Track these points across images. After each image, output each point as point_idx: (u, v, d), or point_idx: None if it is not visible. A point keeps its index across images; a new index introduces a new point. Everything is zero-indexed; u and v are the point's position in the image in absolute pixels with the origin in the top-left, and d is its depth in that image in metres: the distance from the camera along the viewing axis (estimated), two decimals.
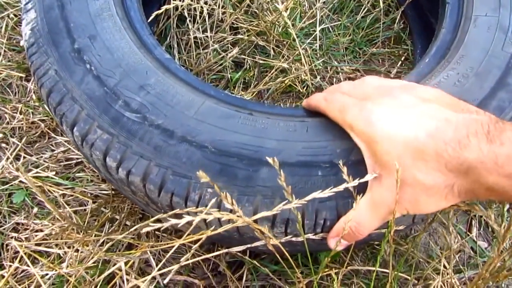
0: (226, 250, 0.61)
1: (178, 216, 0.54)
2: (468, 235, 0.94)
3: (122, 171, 0.62)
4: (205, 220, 0.61)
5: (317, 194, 0.54)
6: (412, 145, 0.51)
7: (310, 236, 0.61)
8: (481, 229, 0.95)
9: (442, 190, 0.51)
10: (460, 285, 0.80)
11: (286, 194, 0.55)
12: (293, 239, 0.62)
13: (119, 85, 0.66)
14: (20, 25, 1.03)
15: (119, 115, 0.63)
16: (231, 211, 0.58)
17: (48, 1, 0.74)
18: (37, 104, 0.94)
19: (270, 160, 0.52)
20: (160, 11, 0.87)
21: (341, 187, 0.55)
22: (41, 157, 0.89)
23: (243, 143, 0.62)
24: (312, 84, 1.04)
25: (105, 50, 0.70)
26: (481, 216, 0.96)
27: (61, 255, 0.75)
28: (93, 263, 0.70)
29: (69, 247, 0.75)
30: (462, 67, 0.74)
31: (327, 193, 0.55)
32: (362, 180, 0.55)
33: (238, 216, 0.53)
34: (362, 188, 0.58)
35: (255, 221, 0.58)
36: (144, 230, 0.50)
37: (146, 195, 0.63)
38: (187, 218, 0.51)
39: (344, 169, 0.55)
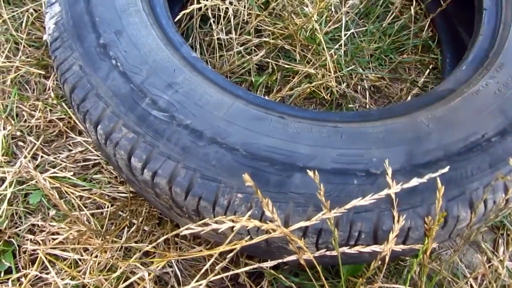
0: (256, 265, 0.57)
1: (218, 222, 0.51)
2: (495, 254, 0.90)
3: (148, 172, 0.59)
4: (232, 227, 0.58)
5: (358, 202, 0.51)
6: None
7: (345, 249, 0.57)
8: (509, 249, 0.91)
9: None
10: None
11: (322, 203, 0.51)
12: (327, 253, 0.58)
13: (146, 82, 0.63)
14: (40, 20, 1.00)
15: (146, 114, 0.61)
16: (261, 218, 0.55)
17: None
18: (55, 102, 0.92)
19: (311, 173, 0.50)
20: (188, 10, 0.85)
21: (382, 193, 0.52)
22: (58, 156, 0.86)
23: (275, 147, 0.59)
24: (337, 91, 1.01)
25: (132, 46, 0.67)
26: (508, 235, 0.92)
27: (78, 260, 0.72)
28: (113, 271, 0.67)
29: (86, 251, 0.72)
30: (502, 75, 0.70)
31: (368, 200, 0.51)
32: (406, 186, 0.51)
33: (277, 226, 0.50)
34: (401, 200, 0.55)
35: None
36: (184, 232, 0.46)
37: (171, 198, 0.60)
38: (228, 224, 0.48)
39: (388, 179, 0.52)
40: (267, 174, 0.57)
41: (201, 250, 0.57)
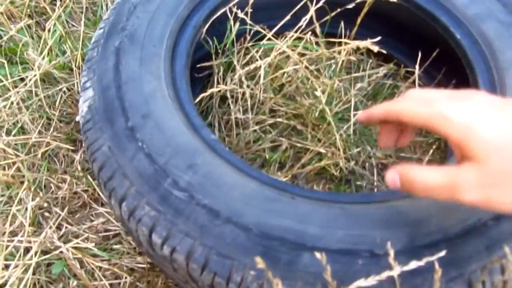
0: None
1: None
2: None
3: (167, 248, 0.64)
4: None
5: (361, 283, 0.55)
6: None
7: None
8: None
9: None
10: None
11: (328, 282, 0.55)
12: None
13: (168, 163, 0.69)
14: (71, 98, 1.09)
15: (168, 193, 0.66)
16: None
17: (106, 81, 0.80)
18: (81, 174, 0.98)
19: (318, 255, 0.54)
20: (206, 94, 0.92)
21: (384, 275, 0.55)
22: (81, 227, 0.91)
23: (286, 227, 0.63)
24: (346, 168, 1.06)
25: (157, 129, 0.73)
26: None
27: None
28: None
29: None
30: None
31: (370, 281, 0.55)
32: (406, 268, 0.55)
33: None
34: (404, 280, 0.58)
35: None
36: None
37: (187, 273, 0.64)
38: None
39: (390, 259, 0.55)
40: (278, 253, 0.61)
41: None
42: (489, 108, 0.52)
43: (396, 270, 0.56)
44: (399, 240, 0.63)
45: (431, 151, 1.12)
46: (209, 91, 0.91)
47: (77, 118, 0.80)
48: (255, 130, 1.06)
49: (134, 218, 0.67)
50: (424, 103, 0.54)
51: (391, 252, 0.57)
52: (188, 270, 0.63)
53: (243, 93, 1.06)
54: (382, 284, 0.59)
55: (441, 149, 1.15)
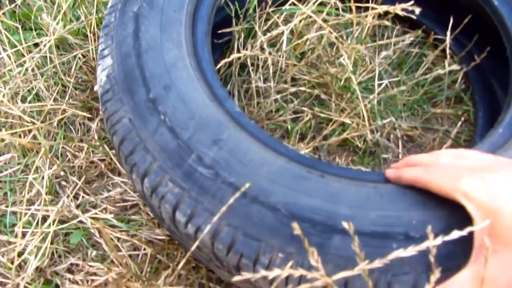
0: None
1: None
2: None
3: (191, 227, 0.62)
4: (270, 282, 0.60)
5: (400, 253, 0.52)
6: None
7: None
8: None
9: None
10: None
11: (357, 255, 0.53)
12: None
13: (192, 138, 0.66)
14: (87, 65, 1.05)
15: (192, 170, 0.63)
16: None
17: (125, 49, 0.75)
18: (98, 143, 0.96)
19: (346, 225, 0.51)
20: (229, 59, 0.88)
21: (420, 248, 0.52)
22: (98, 197, 0.89)
23: (316, 207, 0.60)
24: (370, 140, 1.02)
25: (180, 102, 0.69)
26: None
27: None
28: None
29: None
30: None
31: (410, 251, 0.52)
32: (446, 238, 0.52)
33: (321, 275, 0.51)
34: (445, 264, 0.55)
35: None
36: (236, 278, 0.49)
37: (212, 253, 0.62)
38: (276, 272, 0.49)
39: (432, 242, 0.53)
40: (308, 235, 0.58)
41: None
42: None
43: (437, 241, 0.53)
44: (436, 222, 0.60)
45: (460, 123, 1.08)
46: (231, 57, 0.87)
47: (96, 88, 0.77)
48: (276, 100, 1.02)
49: (157, 195, 0.64)
50: (451, 179, 0.56)
51: (430, 235, 0.54)
52: (214, 250, 0.61)
53: (264, 61, 1.02)
54: (416, 267, 0.58)
55: (470, 122, 1.11)
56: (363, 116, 0.98)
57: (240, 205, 0.60)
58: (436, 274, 0.54)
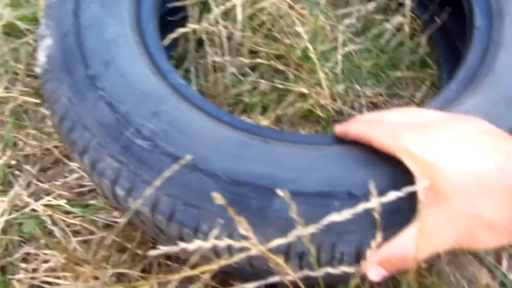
0: (239, 286, 0.57)
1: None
2: (498, 267, 0.88)
3: (132, 200, 0.60)
4: (215, 251, 0.59)
5: (335, 217, 0.51)
6: (480, 177, 0.48)
7: (329, 270, 0.57)
8: None
9: (506, 227, 0.48)
10: None
11: (297, 224, 0.52)
12: (310, 273, 0.58)
13: (131, 111, 0.64)
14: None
15: (130, 143, 0.61)
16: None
17: (65, 28, 0.74)
18: (52, 130, 0.94)
19: (281, 192, 0.50)
20: (175, 35, 0.86)
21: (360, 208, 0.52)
22: (53, 184, 0.88)
23: (258, 172, 0.59)
24: (333, 109, 1.01)
25: (119, 76, 0.68)
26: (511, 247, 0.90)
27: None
28: None
29: (78, 278, 0.73)
30: (493, 95, 0.70)
31: (345, 215, 0.51)
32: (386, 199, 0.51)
33: (252, 244, 0.50)
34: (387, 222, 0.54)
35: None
36: (153, 253, 0.47)
37: (155, 226, 0.61)
38: (197, 243, 0.49)
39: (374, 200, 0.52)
40: (248, 199, 0.57)
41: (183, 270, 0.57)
42: (462, 142, 0.51)
43: (373, 203, 0.53)
44: (381, 180, 0.59)
45: (425, 87, 1.07)
46: (178, 31, 0.85)
47: (36, 70, 0.75)
48: (234, 74, 1.01)
49: (97, 171, 0.63)
50: (392, 135, 0.56)
51: (373, 191, 0.53)
52: (155, 222, 0.60)
53: (221, 35, 1.00)
54: (362, 225, 0.57)
55: (435, 85, 1.09)
56: (323, 85, 0.96)
57: (179, 175, 0.59)
58: (379, 235, 0.54)
